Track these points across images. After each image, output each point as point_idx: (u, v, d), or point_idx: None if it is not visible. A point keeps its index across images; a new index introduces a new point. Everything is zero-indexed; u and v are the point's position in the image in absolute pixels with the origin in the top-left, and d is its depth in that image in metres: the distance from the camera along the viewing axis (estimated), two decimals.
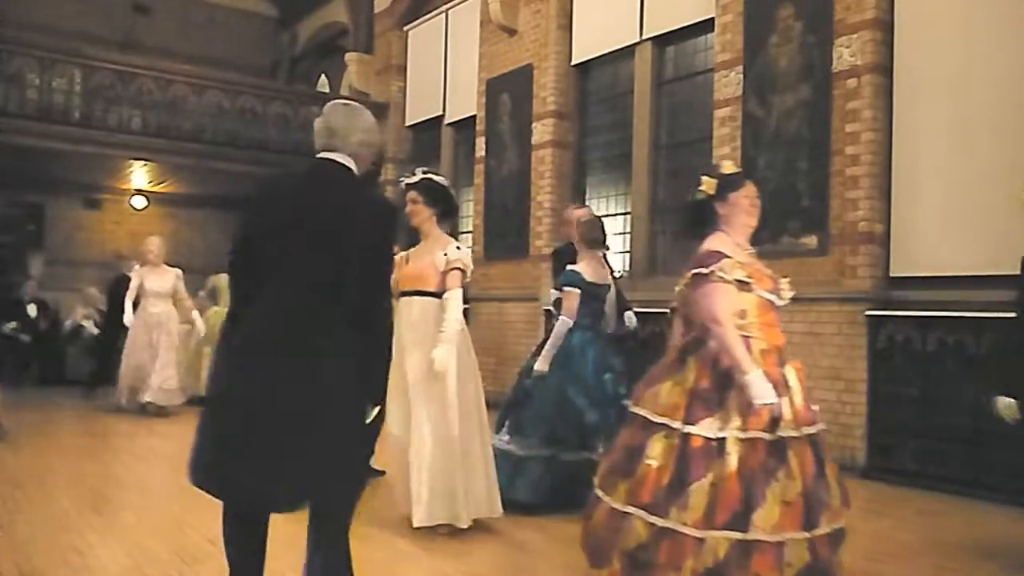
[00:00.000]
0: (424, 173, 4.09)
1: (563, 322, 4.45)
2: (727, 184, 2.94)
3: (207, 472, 2.33)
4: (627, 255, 7.96)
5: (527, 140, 8.81)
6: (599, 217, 5.01)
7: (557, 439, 4.34)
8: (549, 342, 4.48)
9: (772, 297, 2.79)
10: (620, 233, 8.18)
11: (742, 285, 2.73)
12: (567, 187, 8.60)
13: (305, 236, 2.37)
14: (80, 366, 10.35)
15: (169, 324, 7.87)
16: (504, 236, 9.04)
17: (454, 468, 3.76)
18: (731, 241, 2.86)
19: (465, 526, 3.78)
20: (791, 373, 2.73)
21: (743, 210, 2.90)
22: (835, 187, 5.77)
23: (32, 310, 10.57)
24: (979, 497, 4.81)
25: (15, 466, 5.37)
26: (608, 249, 4.84)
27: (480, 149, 9.53)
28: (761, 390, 2.58)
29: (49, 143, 9.37)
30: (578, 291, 4.46)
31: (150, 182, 11.90)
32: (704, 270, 2.74)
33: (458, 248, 3.98)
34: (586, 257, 4.62)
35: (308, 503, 2.35)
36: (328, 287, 2.36)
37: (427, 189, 4.03)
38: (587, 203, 8.53)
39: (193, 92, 10.30)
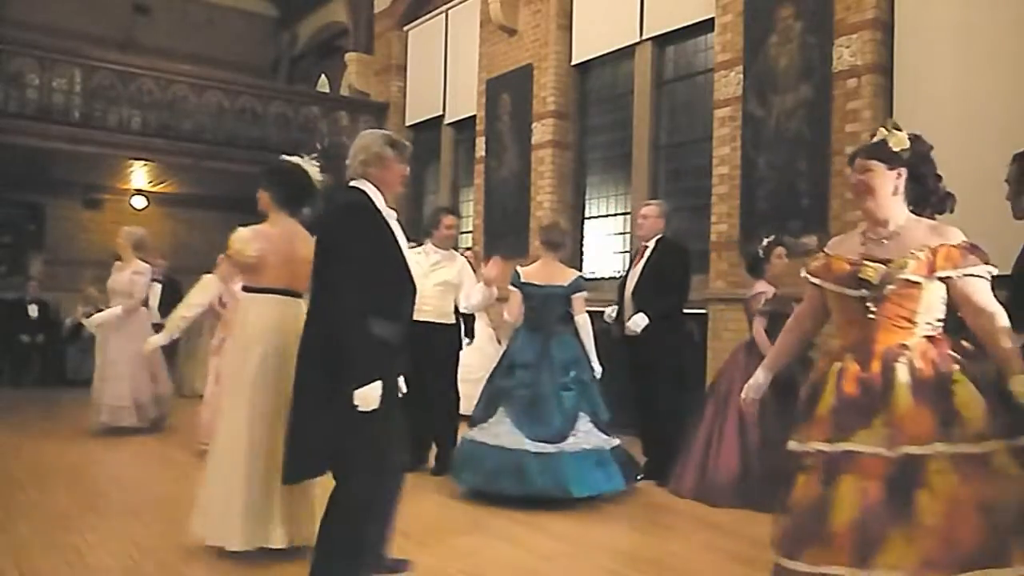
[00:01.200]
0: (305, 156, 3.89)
1: (505, 319, 5.12)
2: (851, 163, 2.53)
3: None
4: (627, 255, 7.95)
5: (527, 140, 8.80)
6: (560, 221, 5.42)
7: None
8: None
9: (841, 289, 2.42)
10: (620, 233, 8.18)
11: (811, 282, 2.53)
12: (567, 187, 8.60)
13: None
14: (80, 366, 10.37)
15: (125, 328, 6.67)
16: (504, 236, 9.03)
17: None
18: (857, 231, 2.53)
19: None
20: (866, 381, 2.29)
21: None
22: (835, 187, 5.77)
23: (32, 310, 10.58)
24: None
25: (15, 466, 5.37)
26: (559, 250, 5.17)
27: (480, 149, 9.52)
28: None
29: (49, 143, 9.34)
30: (518, 291, 4.93)
31: (150, 182, 11.89)
32: None
33: (238, 228, 3.74)
34: (542, 258, 5.03)
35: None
36: (314, 286, 2.95)
37: (268, 171, 3.82)
38: (587, 203, 8.58)
39: (193, 92, 10.28)
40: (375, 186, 2.98)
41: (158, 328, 6.24)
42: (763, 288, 4.98)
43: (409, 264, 3.02)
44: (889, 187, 2.43)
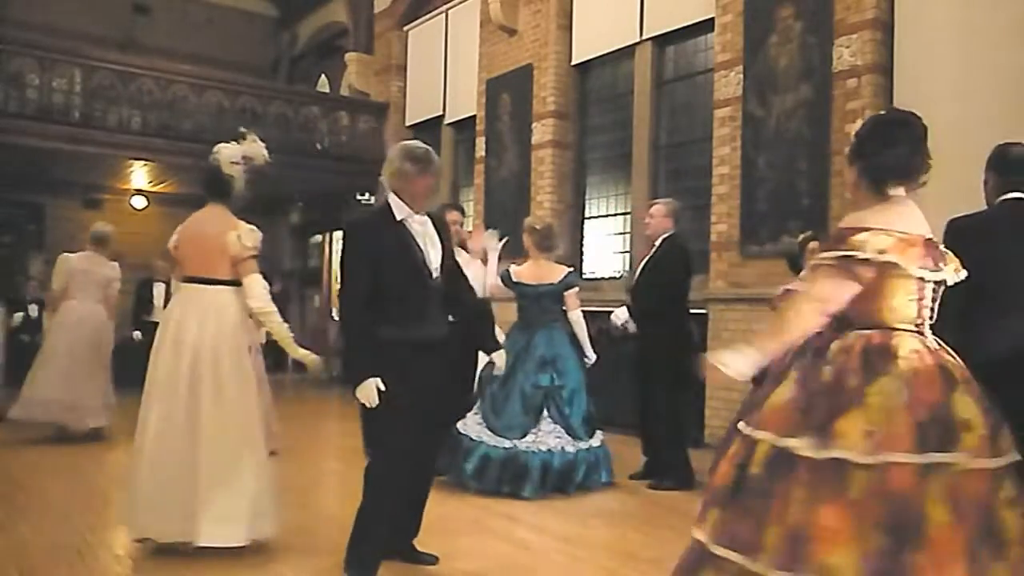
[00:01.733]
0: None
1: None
2: None
3: None
4: (627, 255, 7.96)
5: (527, 140, 8.80)
6: (551, 222, 5.56)
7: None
8: None
9: None
10: (620, 233, 8.19)
11: None
12: (567, 187, 8.60)
13: None
14: None
15: (54, 323, 6.44)
16: (504, 236, 9.01)
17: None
18: None
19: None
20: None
21: None
22: (835, 187, 5.77)
23: (32, 310, 10.57)
24: None
25: (15, 466, 5.37)
26: (555, 251, 5.29)
27: (480, 149, 9.53)
28: None
29: (49, 143, 9.34)
30: (507, 290, 5.01)
31: (150, 182, 11.90)
32: None
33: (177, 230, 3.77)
34: (533, 259, 5.10)
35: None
36: None
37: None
38: (587, 203, 8.57)
39: (193, 92, 10.28)
40: (400, 198, 3.15)
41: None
42: (791, 286, 4.84)
43: (430, 265, 3.13)
44: (853, 183, 2.38)
